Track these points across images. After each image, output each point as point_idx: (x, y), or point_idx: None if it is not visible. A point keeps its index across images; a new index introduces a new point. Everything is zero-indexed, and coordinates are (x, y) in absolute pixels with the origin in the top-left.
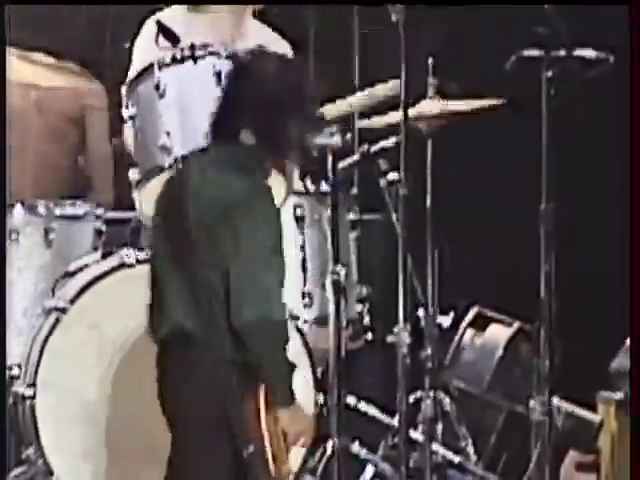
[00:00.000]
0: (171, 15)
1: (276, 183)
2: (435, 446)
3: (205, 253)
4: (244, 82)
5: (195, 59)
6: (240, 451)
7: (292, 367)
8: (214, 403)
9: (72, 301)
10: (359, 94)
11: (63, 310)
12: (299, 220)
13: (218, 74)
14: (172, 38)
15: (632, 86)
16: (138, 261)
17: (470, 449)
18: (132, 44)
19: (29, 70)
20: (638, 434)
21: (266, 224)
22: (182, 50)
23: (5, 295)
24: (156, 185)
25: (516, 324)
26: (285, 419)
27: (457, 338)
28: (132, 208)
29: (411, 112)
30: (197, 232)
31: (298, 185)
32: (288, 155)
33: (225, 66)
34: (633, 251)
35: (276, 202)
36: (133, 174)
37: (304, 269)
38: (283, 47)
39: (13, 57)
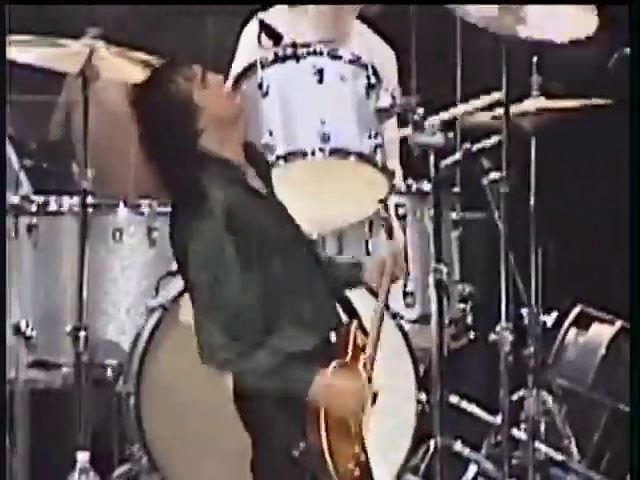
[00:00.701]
0: (273, 14)
1: (379, 182)
2: (538, 445)
3: None
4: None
5: (297, 58)
6: (290, 451)
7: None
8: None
9: (175, 300)
10: (462, 106)
11: (166, 309)
12: (401, 219)
13: (320, 73)
14: (275, 37)
15: (632, 86)
16: None
17: (573, 448)
18: (237, 43)
19: (132, 68)
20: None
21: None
22: (284, 49)
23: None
24: None
25: (619, 322)
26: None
27: (560, 337)
28: None
29: (514, 109)
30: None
31: (400, 184)
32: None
33: (327, 65)
34: None
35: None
36: None
37: (406, 268)
38: (385, 51)
39: (115, 56)
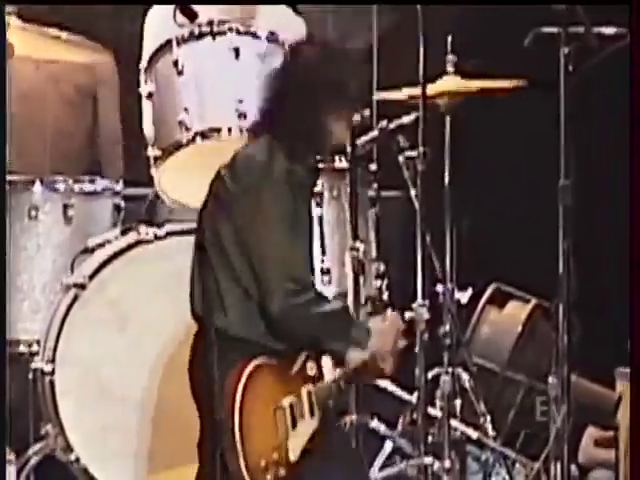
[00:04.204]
0: None
1: None
2: (454, 422)
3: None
4: None
5: (214, 35)
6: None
7: (343, 319)
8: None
9: (91, 277)
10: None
11: (82, 286)
12: (317, 196)
13: (236, 50)
14: (190, 14)
15: (632, 85)
16: (156, 237)
17: (489, 425)
18: (143, 21)
19: (45, 45)
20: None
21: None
22: (200, 26)
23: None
24: (174, 161)
25: (535, 301)
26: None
27: (476, 314)
28: (150, 184)
29: (430, 89)
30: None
31: None
32: None
33: (244, 43)
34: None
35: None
36: (152, 151)
37: (323, 246)
38: (298, 24)
39: (28, 32)
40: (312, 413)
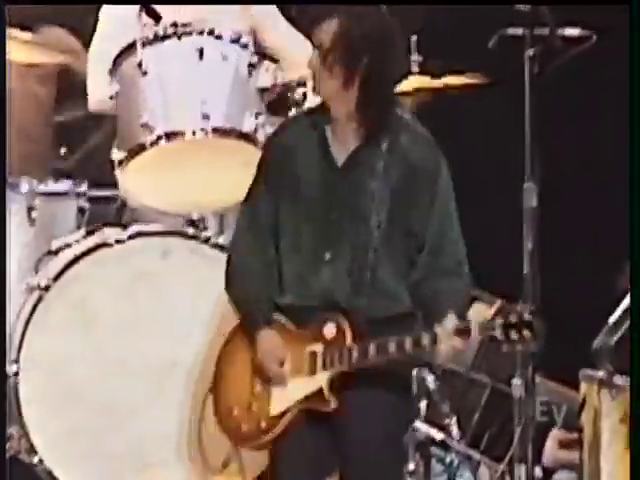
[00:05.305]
0: None
1: None
2: (418, 423)
3: None
4: None
5: (179, 37)
6: None
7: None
8: None
9: (55, 279)
10: None
11: (46, 288)
12: None
13: (200, 52)
14: (154, 16)
15: (632, 85)
16: (117, 241)
17: (453, 426)
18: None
19: (10, 46)
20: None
21: None
22: (165, 28)
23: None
24: (138, 164)
25: (499, 302)
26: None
27: None
28: (114, 186)
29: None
30: None
31: None
32: None
33: (208, 44)
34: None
35: None
36: (116, 154)
37: None
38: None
39: None
40: (313, 372)
